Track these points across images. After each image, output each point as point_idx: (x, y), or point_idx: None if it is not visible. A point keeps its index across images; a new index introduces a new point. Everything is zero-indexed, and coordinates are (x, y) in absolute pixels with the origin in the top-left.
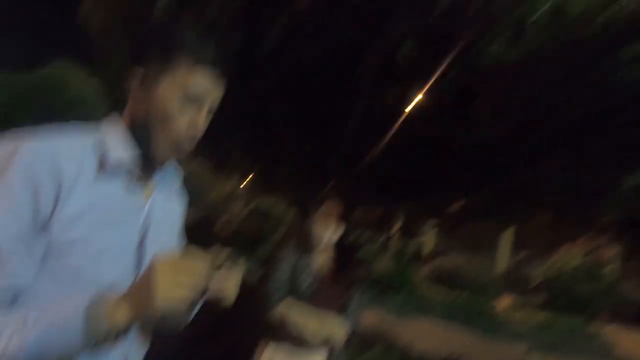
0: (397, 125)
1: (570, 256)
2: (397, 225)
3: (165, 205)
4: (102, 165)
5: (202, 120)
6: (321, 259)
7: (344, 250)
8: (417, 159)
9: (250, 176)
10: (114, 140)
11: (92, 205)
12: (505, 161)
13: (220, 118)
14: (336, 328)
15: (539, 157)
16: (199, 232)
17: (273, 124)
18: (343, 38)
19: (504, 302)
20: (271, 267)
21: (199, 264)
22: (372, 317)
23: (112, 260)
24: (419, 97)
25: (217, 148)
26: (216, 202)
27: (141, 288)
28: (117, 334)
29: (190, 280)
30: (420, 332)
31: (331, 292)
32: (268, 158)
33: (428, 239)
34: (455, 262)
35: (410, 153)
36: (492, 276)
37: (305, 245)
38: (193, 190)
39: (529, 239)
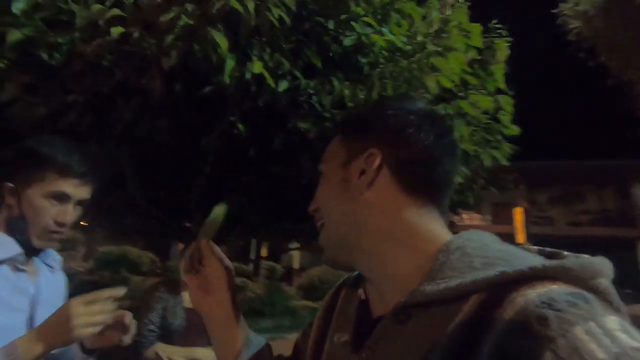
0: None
1: None
2: (264, 251)
3: (50, 284)
4: None
5: (69, 213)
6: (189, 298)
7: None
8: (264, 196)
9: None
10: None
11: None
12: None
13: None
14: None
15: None
16: None
17: (123, 180)
18: (190, 116)
19: None
20: (143, 311)
21: (104, 294)
22: None
23: (4, 341)
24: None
25: None
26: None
27: (57, 322)
28: None
29: (100, 309)
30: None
31: (200, 327)
32: (120, 207)
33: (294, 258)
34: (317, 275)
35: (257, 192)
36: None
37: (174, 287)
38: None
39: None
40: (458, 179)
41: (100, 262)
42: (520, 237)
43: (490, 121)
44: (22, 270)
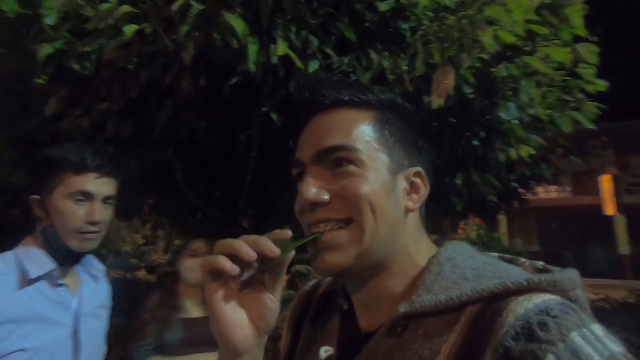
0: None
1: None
2: None
3: (94, 295)
4: (24, 281)
5: (96, 210)
6: (188, 308)
7: None
8: None
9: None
10: (30, 258)
11: (20, 317)
12: None
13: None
14: None
15: None
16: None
17: (176, 179)
18: (223, 113)
19: None
20: (138, 323)
21: None
22: None
23: (50, 356)
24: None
25: (126, 206)
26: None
27: None
28: None
29: None
30: None
31: (200, 339)
32: (179, 208)
33: None
34: None
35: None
36: None
37: (172, 298)
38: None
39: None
40: (530, 150)
41: (176, 255)
42: (610, 208)
43: (568, 77)
44: (61, 285)
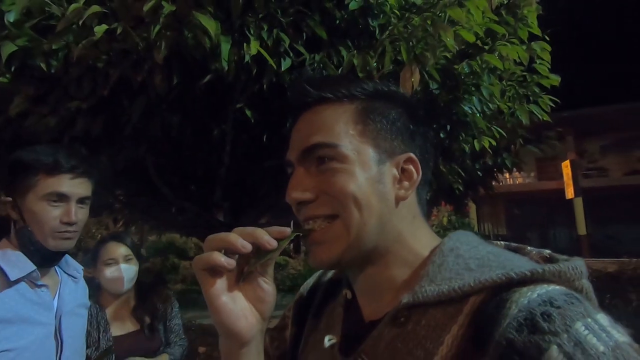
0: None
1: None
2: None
3: (73, 295)
4: (3, 284)
5: (72, 211)
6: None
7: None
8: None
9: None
10: (7, 261)
11: (2, 319)
12: None
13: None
14: None
15: None
16: None
17: (149, 174)
18: (197, 109)
19: None
20: None
21: None
22: None
23: (33, 356)
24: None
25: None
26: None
27: None
28: None
29: None
30: None
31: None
32: (152, 203)
33: None
34: None
35: (281, 176)
36: None
37: (99, 314)
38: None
39: None
40: (491, 141)
41: (151, 251)
42: (570, 192)
43: (525, 73)
44: (42, 286)
